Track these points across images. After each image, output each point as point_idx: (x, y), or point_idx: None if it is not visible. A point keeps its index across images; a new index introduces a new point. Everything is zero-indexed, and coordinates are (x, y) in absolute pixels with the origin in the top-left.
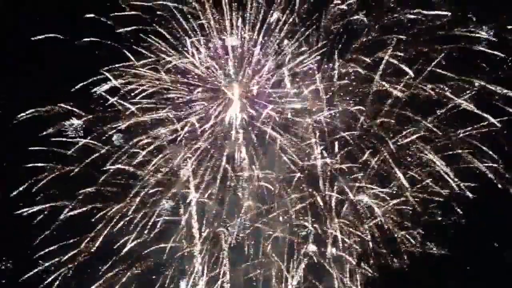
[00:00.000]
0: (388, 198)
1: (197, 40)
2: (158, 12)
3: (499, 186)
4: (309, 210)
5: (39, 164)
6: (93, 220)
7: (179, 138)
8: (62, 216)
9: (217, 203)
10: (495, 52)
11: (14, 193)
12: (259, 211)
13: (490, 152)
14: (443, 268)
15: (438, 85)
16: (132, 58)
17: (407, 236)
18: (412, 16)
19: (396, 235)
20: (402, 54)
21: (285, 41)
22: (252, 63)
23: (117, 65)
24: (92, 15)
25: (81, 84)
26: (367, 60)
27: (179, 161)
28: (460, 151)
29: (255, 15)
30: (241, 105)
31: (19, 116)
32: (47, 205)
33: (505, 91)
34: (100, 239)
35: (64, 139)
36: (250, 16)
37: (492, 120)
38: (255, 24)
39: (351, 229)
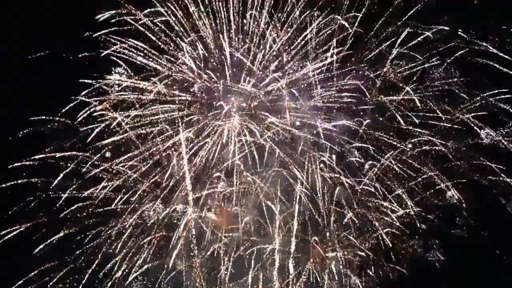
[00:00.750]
0: (387, 210)
1: (196, 54)
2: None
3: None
4: (309, 223)
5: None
6: (90, 236)
7: (176, 153)
8: (61, 234)
9: (216, 217)
10: (495, 65)
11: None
12: (259, 225)
13: (490, 164)
14: (443, 278)
15: (437, 98)
16: (129, 71)
17: (407, 247)
18: (411, 30)
19: (396, 246)
20: (401, 67)
21: (284, 55)
22: (251, 77)
23: (114, 79)
24: (89, 33)
25: (79, 99)
26: (367, 73)
27: (178, 175)
28: (459, 163)
29: (254, 29)
30: (240, 119)
31: (20, 133)
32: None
33: (503, 106)
34: (99, 256)
35: (61, 154)
36: (249, 30)
37: (491, 132)
38: (254, 38)
39: (351, 242)
